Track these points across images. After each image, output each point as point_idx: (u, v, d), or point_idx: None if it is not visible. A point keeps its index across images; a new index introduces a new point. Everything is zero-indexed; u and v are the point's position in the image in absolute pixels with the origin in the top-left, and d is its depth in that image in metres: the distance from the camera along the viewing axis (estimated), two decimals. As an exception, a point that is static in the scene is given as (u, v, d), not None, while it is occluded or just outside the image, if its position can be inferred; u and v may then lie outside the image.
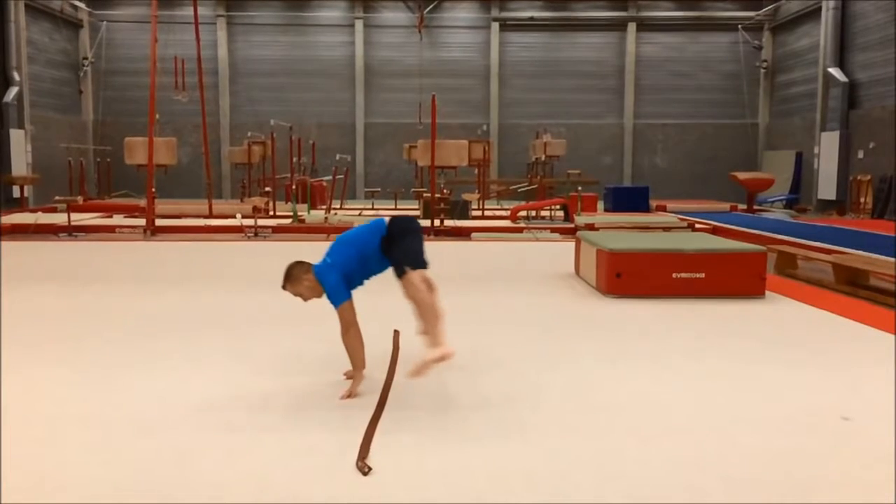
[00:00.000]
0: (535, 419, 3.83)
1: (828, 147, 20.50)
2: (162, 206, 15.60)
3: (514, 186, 21.42)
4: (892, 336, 5.66)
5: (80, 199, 17.08)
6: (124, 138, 15.80)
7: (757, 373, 4.72)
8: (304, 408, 3.97)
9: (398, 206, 19.06)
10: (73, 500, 2.89)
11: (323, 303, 4.19)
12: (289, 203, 16.82)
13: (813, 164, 21.63)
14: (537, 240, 13.14)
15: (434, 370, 3.95)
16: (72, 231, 13.27)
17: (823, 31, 20.98)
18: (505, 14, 25.60)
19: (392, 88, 25.50)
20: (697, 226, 14.27)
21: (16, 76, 20.44)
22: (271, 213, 15.99)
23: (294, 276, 4.19)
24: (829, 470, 3.23)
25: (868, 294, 7.64)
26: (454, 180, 19.36)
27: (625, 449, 3.42)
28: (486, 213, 17.47)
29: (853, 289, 7.87)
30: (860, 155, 19.53)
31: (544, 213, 16.39)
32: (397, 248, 4.12)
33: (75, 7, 24.31)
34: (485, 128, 25.61)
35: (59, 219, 14.05)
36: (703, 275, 7.26)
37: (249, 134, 19.59)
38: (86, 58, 25.05)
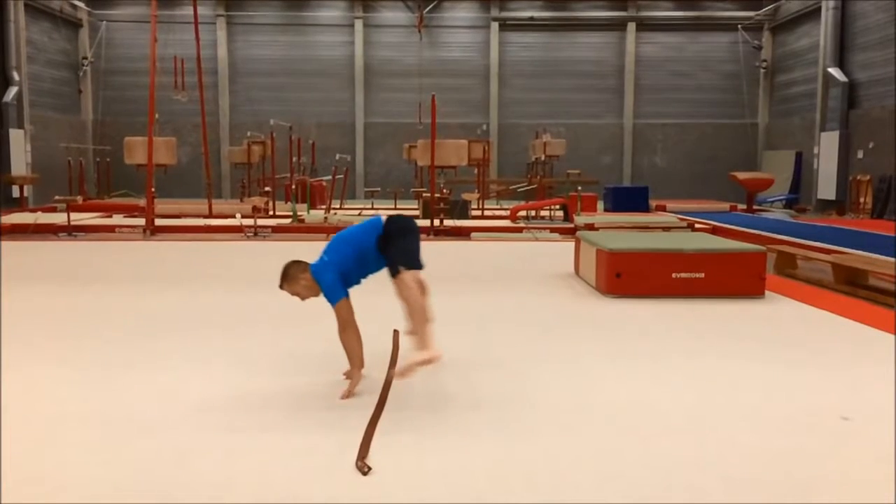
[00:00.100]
0: (535, 419, 3.83)
1: (827, 147, 20.51)
2: (161, 205, 15.60)
3: (514, 186, 21.42)
4: (892, 336, 5.66)
5: (79, 198, 17.08)
6: (124, 138, 15.77)
7: (757, 373, 4.72)
8: (304, 407, 3.97)
9: (398, 206, 19.05)
10: (73, 500, 2.89)
11: (322, 302, 4.18)
12: (288, 203, 16.82)
13: (812, 163, 21.64)
14: (537, 240, 13.14)
15: (430, 371, 3.96)
16: (71, 231, 13.27)
17: (823, 31, 20.99)
18: (505, 14, 25.60)
19: (392, 88, 25.50)
20: (697, 226, 14.27)
21: (15, 76, 20.44)
22: (271, 212, 15.99)
23: (291, 276, 4.19)
24: (829, 470, 3.23)
25: (867, 294, 7.64)
26: (454, 180, 19.35)
27: (624, 449, 3.42)
28: (486, 212, 17.47)
29: (853, 289, 7.88)
30: (860, 155, 19.53)
31: (544, 212, 16.39)
32: (393, 248, 4.12)
33: (75, 7, 24.30)
34: (484, 127, 25.61)
35: (59, 218, 14.04)
36: (702, 275, 7.26)
37: (249, 134, 19.59)
38: (85, 57, 25.04)
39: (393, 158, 24.77)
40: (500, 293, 7.61)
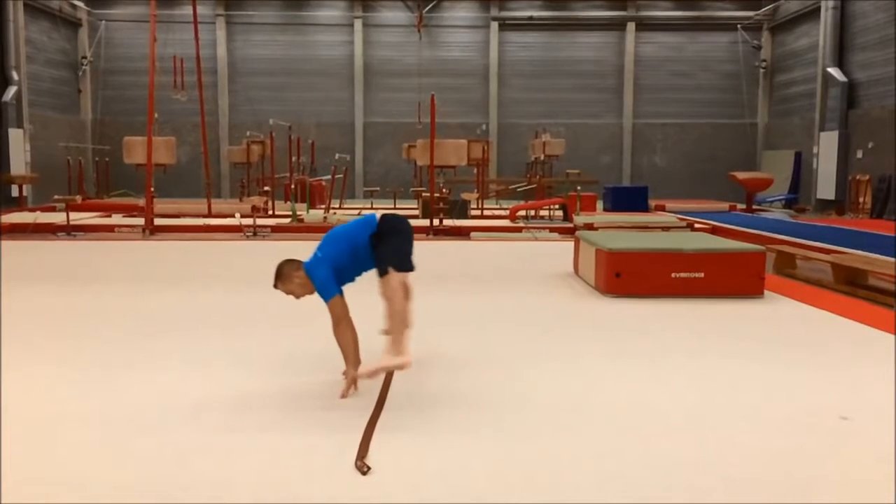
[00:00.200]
0: (535, 419, 3.83)
1: (827, 147, 20.51)
2: (161, 205, 15.59)
3: (514, 186, 21.42)
4: (892, 336, 5.66)
5: (78, 198, 17.10)
6: (123, 137, 15.79)
7: (756, 372, 4.72)
8: (304, 407, 3.96)
9: (397, 206, 19.05)
10: (73, 500, 2.89)
11: (321, 301, 4.18)
12: (288, 202, 16.82)
13: (812, 163, 21.64)
14: (536, 239, 13.15)
15: (430, 371, 3.96)
16: (70, 230, 13.26)
17: (822, 31, 20.99)
18: (504, 13, 25.59)
19: (391, 88, 25.49)
20: (696, 225, 14.27)
21: (14, 75, 20.42)
22: (270, 212, 15.99)
23: (285, 274, 4.18)
24: (829, 470, 3.23)
25: (867, 294, 7.64)
26: (453, 180, 19.34)
27: (624, 449, 3.42)
28: (485, 212, 17.46)
29: (852, 288, 7.88)
30: (859, 155, 19.54)
31: (543, 212, 16.39)
32: (385, 247, 4.12)
33: (74, 6, 24.28)
34: (484, 127, 25.60)
35: (58, 218, 14.03)
36: (702, 274, 7.26)
37: (248, 133, 19.58)
38: (85, 57, 25.02)
39: (392, 158, 24.77)
40: (499, 293, 7.61)
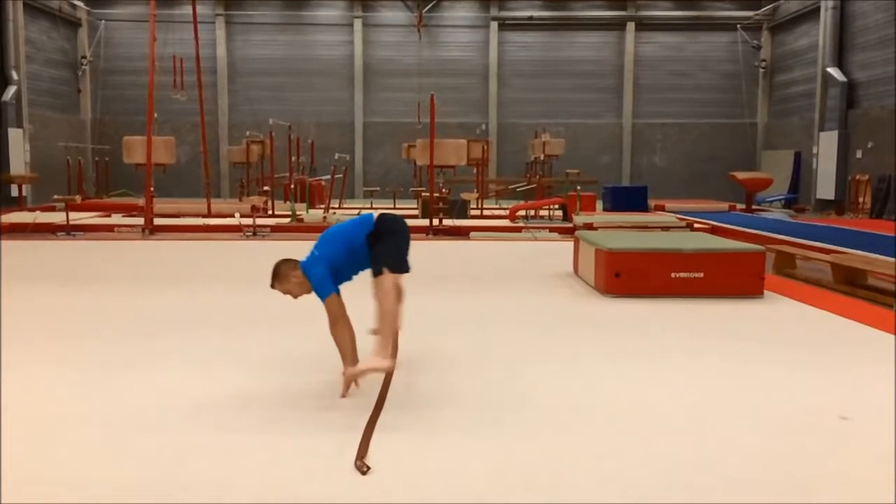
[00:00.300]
0: (534, 419, 3.83)
1: (826, 147, 20.51)
2: (160, 205, 15.59)
3: (513, 186, 21.42)
4: (892, 336, 5.66)
5: (78, 198, 17.10)
6: (123, 137, 15.77)
7: (756, 372, 4.73)
8: (303, 407, 3.96)
9: (397, 206, 19.05)
10: (73, 500, 2.89)
11: (320, 301, 4.18)
12: (287, 202, 16.82)
13: (811, 163, 21.64)
14: (536, 239, 13.15)
15: (430, 370, 3.96)
16: (70, 230, 13.26)
17: (822, 31, 20.99)
18: (504, 13, 25.60)
19: (391, 88, 25.49)
20: (696, 225, 14.27)
21: (14, 75, 20.42)
22: (270, 212, 15.99)
23: (281, 274, 4.16)
24: (829, 470, 3.23)
25: (867, 294, 7.64)
26: (453, 179, 19.33)
27: (624, 449, 3.42)
28: (485, 212, 17.46)
29: (852, 288, 7.88)
30: (859, 154, 19.54)
31: (543, 212, 16.39)
32: (381, 247, 4.11)
33: (74, 6, 24.28)
34: (483, 127, 25.60)
35: (58, 218, 14.02)
36: (701, 274, 7.26)
37: (248, 133, 19.58)
38: (84, 56, 25.02)
39: (392, 158, 24.76)
40: (499, 293, 7.61)
